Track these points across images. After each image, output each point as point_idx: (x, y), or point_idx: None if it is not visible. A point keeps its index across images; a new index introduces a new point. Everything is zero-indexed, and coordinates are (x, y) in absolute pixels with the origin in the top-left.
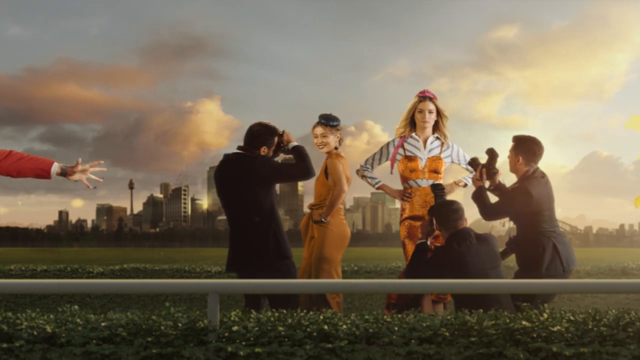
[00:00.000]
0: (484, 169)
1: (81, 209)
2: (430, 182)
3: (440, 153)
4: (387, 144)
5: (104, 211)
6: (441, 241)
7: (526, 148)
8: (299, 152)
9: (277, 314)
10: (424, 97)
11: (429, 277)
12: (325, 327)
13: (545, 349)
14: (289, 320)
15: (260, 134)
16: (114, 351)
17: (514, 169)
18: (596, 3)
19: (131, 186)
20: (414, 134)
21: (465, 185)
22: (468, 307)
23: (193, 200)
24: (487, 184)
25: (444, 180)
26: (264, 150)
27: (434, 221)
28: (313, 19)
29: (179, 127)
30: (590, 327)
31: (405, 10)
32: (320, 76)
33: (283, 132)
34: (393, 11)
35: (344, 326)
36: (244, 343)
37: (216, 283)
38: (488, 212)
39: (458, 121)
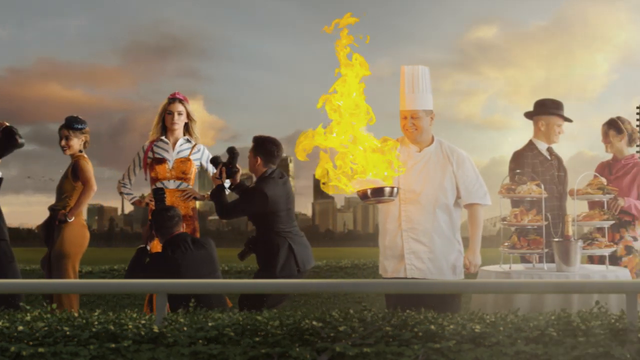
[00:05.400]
0: (224, 167)
1: None
2: (178, 183)
3: (189, 155)
4: (138, 152)
5: (95, 211)
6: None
7: (265, 149)
8: (4, 132)
9: None
10: (173, 98)
11: None
12: None
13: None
14: None
15: None
16: None
17: (253, 169)
18: (572, 3)
19: None
20: (163, 137)
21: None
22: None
23: None
24: (228, 183)
25: (193, 182)
26: None
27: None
28: (295, 17)
29: None
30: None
31: (387, 10)
32: (304, 75)
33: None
34: (374, 11)
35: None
36: None
37: None
38: (224, 211)
39: (441, 121)
